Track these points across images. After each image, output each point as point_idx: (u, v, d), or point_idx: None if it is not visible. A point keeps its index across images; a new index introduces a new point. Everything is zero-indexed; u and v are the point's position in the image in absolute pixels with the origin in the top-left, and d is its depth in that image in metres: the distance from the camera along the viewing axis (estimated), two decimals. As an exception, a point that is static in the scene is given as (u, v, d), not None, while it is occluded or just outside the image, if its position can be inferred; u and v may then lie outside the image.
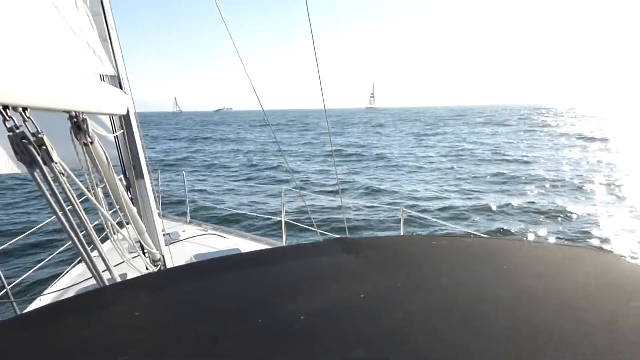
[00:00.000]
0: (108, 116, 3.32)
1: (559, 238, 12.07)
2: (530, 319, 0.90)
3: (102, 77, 3.03)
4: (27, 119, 1.39)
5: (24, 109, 1.36)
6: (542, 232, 12.54)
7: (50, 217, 5.15)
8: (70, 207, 1.64)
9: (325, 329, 0.92)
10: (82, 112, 2.08)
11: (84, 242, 1.68)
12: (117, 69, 3.10)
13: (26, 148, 1.40)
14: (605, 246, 11.26)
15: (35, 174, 1.44)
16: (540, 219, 13.77)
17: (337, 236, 5.12)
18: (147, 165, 3.80)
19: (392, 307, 1.01)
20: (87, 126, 2.12)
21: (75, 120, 2.08)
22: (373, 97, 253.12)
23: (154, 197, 3.91)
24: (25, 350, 0.86)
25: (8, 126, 1.32)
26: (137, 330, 0.93)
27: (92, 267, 1.73)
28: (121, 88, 3.16)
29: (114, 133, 3.40)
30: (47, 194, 1.48)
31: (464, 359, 0.78)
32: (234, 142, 49.45)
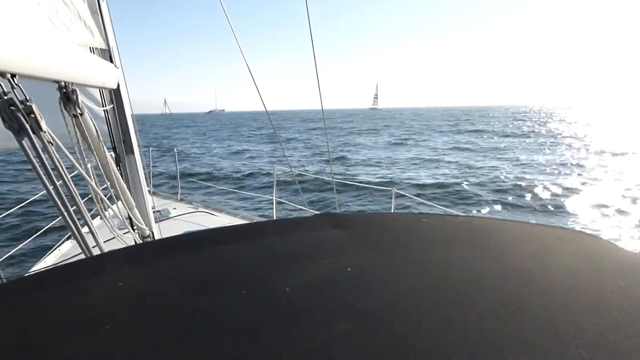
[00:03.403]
0: (98, 90, 3.27)
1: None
2: (517, 298, 0.91)
3: (92, 50, 2.97)
4: (15, 85, 1.36)
5: (12, 75, 1.33)
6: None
7: (40, 192, 5.12)
8: (60, 180, 1.62)
9: (311, 301, 0.92)
10: (72, 83, 2.04)
11: (74, 216, 1.66)
12: (108, 42, 3.04)
13: (14, 115, 1.37)
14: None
15: (24, 142, 1.42)
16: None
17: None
18: (138, 141, 3.76)
19: (379, 282, 1.00)
20: (76, 97, 2.08)
21: (64, 91, 2.05)
22: (377, 98, 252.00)
23: (144, 173, 3.89)
24: (7, 319, 0.84)
25: None
26: (120, 300, 0.92)
27: (81, 242, 1.70)
28: (112, 62, 3.11)
29: (104, 107, 3.36)
30: (36, 164, 1.46)
31: (452, 335, 0.78)
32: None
